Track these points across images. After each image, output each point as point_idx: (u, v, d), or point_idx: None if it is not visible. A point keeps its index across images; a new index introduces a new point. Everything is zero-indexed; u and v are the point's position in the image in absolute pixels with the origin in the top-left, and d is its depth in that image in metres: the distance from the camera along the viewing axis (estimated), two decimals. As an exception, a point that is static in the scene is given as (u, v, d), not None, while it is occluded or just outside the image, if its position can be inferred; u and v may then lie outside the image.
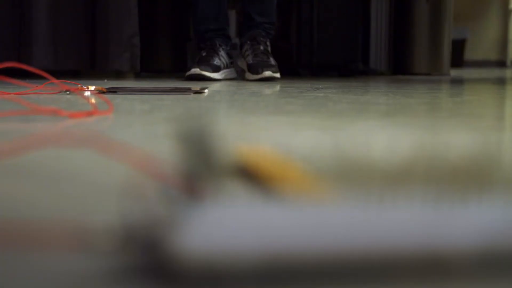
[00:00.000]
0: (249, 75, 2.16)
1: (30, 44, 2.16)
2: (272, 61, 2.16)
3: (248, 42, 2.22)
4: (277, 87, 1.85)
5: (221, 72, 2.16)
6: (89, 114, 0.90)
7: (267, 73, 2.08)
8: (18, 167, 0.52)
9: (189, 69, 2.12)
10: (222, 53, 2.19)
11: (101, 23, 2.26)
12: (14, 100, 1.03)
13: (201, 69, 2.07)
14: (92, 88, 1.32)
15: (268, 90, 1.68)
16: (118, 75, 2.43)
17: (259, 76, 2.09)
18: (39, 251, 0.29)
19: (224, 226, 0.26)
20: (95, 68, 2.32)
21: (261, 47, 2.18)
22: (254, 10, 2.23)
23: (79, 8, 2.27)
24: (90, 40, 2.27)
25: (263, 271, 0.26)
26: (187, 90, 1.46)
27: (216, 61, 2.15)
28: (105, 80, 2.04)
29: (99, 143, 0.44)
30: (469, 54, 5.80)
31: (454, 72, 3.44)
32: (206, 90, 1.46)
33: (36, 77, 0.98)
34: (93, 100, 1.14)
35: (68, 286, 0.25)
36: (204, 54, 2.17)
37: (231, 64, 2.26)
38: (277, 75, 2.11)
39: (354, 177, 0.28)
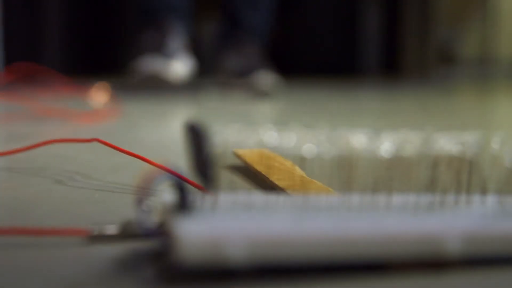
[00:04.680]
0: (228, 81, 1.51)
1: (43, 44, 2.17)
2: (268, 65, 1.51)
3: (229, 46, 1.53)
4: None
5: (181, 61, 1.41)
6: (99, 115, 0.90)
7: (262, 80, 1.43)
8: (28, 166, 0.53)
9: (137, 63, 1.37)
10: (177, 40, 1.42)
11: (114, 26, 2.26)
12: (25, 101, 1.03)
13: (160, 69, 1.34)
14: (102, 88, 1.30)
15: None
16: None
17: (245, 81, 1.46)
18: (49, 243, 0.30)
19: (223, 226, 0.25)
20: (107, 70, 2.32)
21: (251, 51, 1.52)
22: (244, 5, 1.55)
23: (92, 10, 2.28)
24: (103, 42, 2.28)
25: (259, 271, 0.26)
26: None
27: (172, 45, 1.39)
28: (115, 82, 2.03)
29: (107, 145, 0.45)
30: (458, 53, 5.75)
31: (445, 72, 3.44)
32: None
33: (49, 77, 0.98)
34: (104, 102, 1.14)
35: (72, 277, 0.27)
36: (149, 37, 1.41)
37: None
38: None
39: (349, 176, 0.29)
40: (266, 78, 1.46)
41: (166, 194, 0.30)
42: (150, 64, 1.37)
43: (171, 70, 1.39)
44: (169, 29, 1.42)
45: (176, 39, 1.44)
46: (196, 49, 1.65)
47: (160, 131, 0.86)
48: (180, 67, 1.43)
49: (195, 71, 1.55)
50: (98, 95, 1.20)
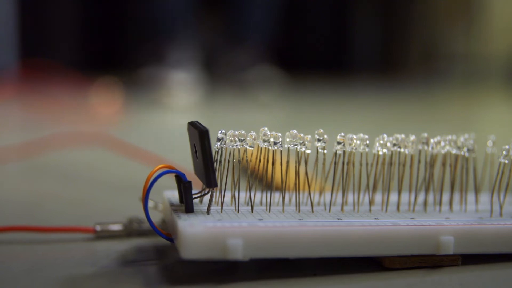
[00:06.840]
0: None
1: (55, 40, 2.17)
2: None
3: (231, 42, 1.54)
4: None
5: None
6: (105, 113, 0.89)
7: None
8: (33, 166, 0.52)
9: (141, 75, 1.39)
10: (180, 50, 1.47)
11: (126, 23, 2.27)
12: (36, 98, 1.02)
13: None
14: (111, 85, 1.28)
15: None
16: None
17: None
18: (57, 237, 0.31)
19: (223, 225, 0.25)
20: (119, 67, 2.30)
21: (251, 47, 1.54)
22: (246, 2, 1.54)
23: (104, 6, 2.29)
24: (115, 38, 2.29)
25: (259, 271, 0.26)
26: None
27: None
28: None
29: (110, 144, 0.45)
30: (447, 50, 5.73)
31: (438, 68, 3.43)
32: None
33: (60, 73, 0.96)
34: (110, 99, 1.13)
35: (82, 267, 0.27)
36: None
37: None
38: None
39: (347, 175, 0.29)
40: (265, 74, 1.44)
41: (169, 193, 0.30)
42: (152, 77, 1.32)
43: (174, 81, 1.34)
44: (171, 40, 1.40)
45: (179, 49, 1.40)
46: (202, 52, 1.61)
47: (163, 131, 0.85)
48: (183, 77, 1.38)
49: (201, 76, 1.53)
50: (106, 92, 1.19)
